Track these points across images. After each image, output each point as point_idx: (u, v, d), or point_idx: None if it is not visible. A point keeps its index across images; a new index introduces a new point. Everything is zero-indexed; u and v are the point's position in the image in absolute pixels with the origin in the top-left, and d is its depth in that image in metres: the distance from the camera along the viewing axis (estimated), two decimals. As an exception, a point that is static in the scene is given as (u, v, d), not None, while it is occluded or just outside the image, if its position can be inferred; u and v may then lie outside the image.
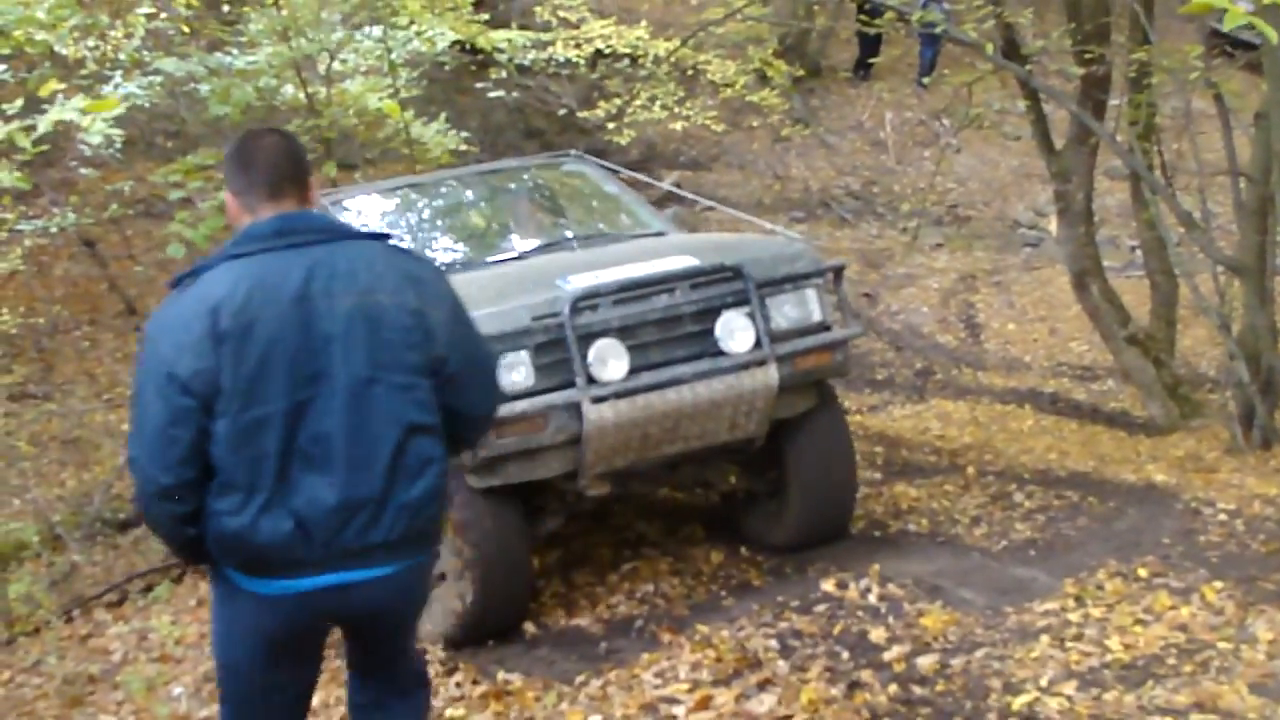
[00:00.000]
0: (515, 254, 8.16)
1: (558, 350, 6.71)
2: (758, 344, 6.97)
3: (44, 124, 5.90)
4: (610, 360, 6.76)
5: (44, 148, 6.02)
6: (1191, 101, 11.38)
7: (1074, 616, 6.09)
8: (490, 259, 8.07)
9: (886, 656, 5.94)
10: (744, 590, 7.24)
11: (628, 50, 15.19)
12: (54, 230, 11.74)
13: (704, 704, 5.74)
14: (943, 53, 22.21)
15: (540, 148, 19.94)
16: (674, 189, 19.95)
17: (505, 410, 6.24)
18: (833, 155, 21.22)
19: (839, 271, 7.57)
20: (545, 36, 14.78)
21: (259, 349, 3.89)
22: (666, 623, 6.91)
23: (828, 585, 6.88)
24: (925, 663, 5.81)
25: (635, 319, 6.86)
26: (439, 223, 8.99)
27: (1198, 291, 10.58)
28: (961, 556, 7.30)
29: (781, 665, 5.96)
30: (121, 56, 11.01)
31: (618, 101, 14.57)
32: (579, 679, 6.41)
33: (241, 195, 4.17)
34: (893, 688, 5.60)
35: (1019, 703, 5.27)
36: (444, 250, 8.51)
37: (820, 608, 6.63)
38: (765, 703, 5.64)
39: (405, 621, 4.35)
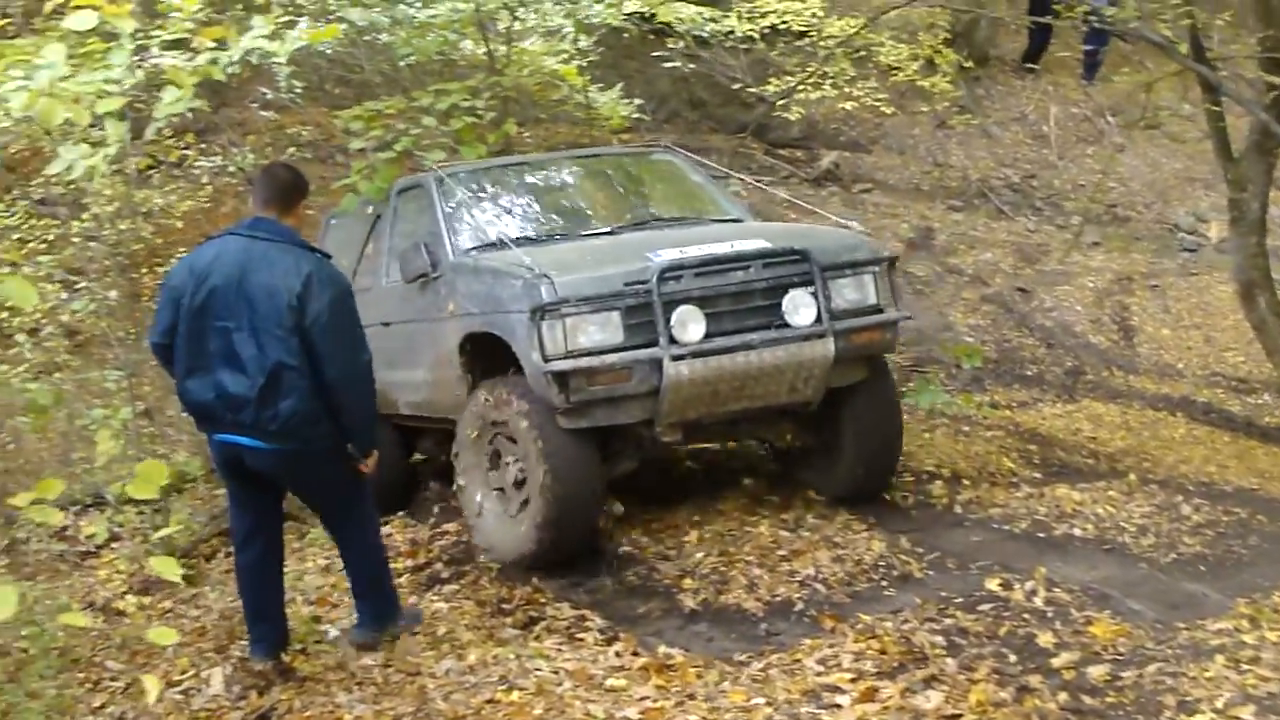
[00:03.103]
0: (607, 230, 9.16)
1: (645, 313, 7.72)
2: (818, 319, 7.97)
3: (237, 51, 6.04)
4: (690, 324, 7.75)
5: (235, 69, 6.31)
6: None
7: (1249, 638, 5.99)
8: (584, 232, 9.17)
9: (1055, 663, 5.89)
10: (905, 582, 7.20)
11: (802, 27, 15.07)
12: (231, 169, 11.90)
13: (869, 695, 5.72)
14: (1111, 51, 21.84)
15: (703, 119, 19.94)
16: (832, 168, 20.00)
17: (596, 361, 7.61)
18: (994, 146, 20.91)
19: (893, 262, 8.63)
20: (721, 11, 14.72)
21: (206, 290, 6.54)
22: (827, 609, 6.90)
23: (992, 584, 6.83)
24: (1096, 672, 5.75)
25: (713, 290, 7.87)
26: (541, 198, 9.90)
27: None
28: (1128, 566, 7.21)
29: (949, 663, 5.93)
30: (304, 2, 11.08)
31: (789, 78, 14.45)
32: (740, 659, 6.42)
33: (252, 200, 7.07)
34: (1063, 695, 5.55)
35: (1193, 723, 5.21)
36: (543, 222, 9.53)
37: (985, 607, 6.59)
38: (932, 700, 5.61)
39: (301, 487, 7.02)
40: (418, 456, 10.48)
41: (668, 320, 7.71)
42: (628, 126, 13.82)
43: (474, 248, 8.86)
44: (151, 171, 11.57)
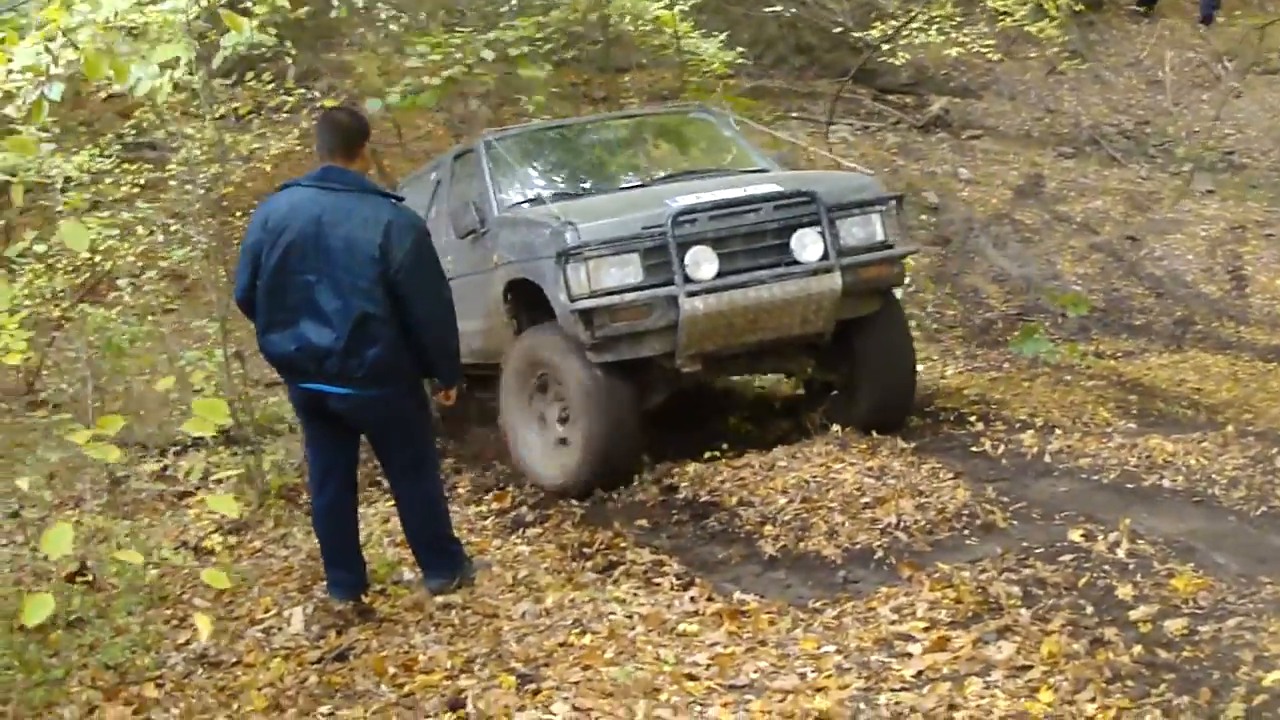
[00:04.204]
0: (639, 182, 10.02)
1: (662, 254, 8.40)
2: (825, 255, 8.62)
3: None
4: (703, 263, 8.44)
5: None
6: None
7: (1335, 594, 5.86)
8: (617, 186, 10.02)
9: (1133, 615, 5.77)
10: (988, 531, 7.10)
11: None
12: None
13: (941, 645, 5.68)
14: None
15: (809, 64, 19.78)
16: (942, 113, 19.79)
17: (619, 300, 8.34)
18: (1107, 92, 20.62)
19: (899, 200, 9.24)
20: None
21: (283, 244, 6.61)
22: (907, 557, 6.85)
23: (1075, 535, 6.72)
24: (1173, 626, 5.64)
25: (726, 231, 8.56)
26: (580, 157, 10.84)
27: None
28: (1217, 518, 7.05)
29: (1023, 614, 5.86)
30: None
31: (894, 22, 14.29)
32: (815, 605, 6.39)
33: (316, 149, 6.98)
34: (1137, 648, 5.45)
35: (1270, 679, 5.08)
36: (580, 178, 10.37)
37: (1066, 557, 6.48)
38: (1004, 650, 5.54)
39: (380, 432, 7.01)
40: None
41: (682, 260, 8.39)
42: (730, 74, 13.74)
43: (516, 204, 9.67)
44: (253, 116, 11.64)
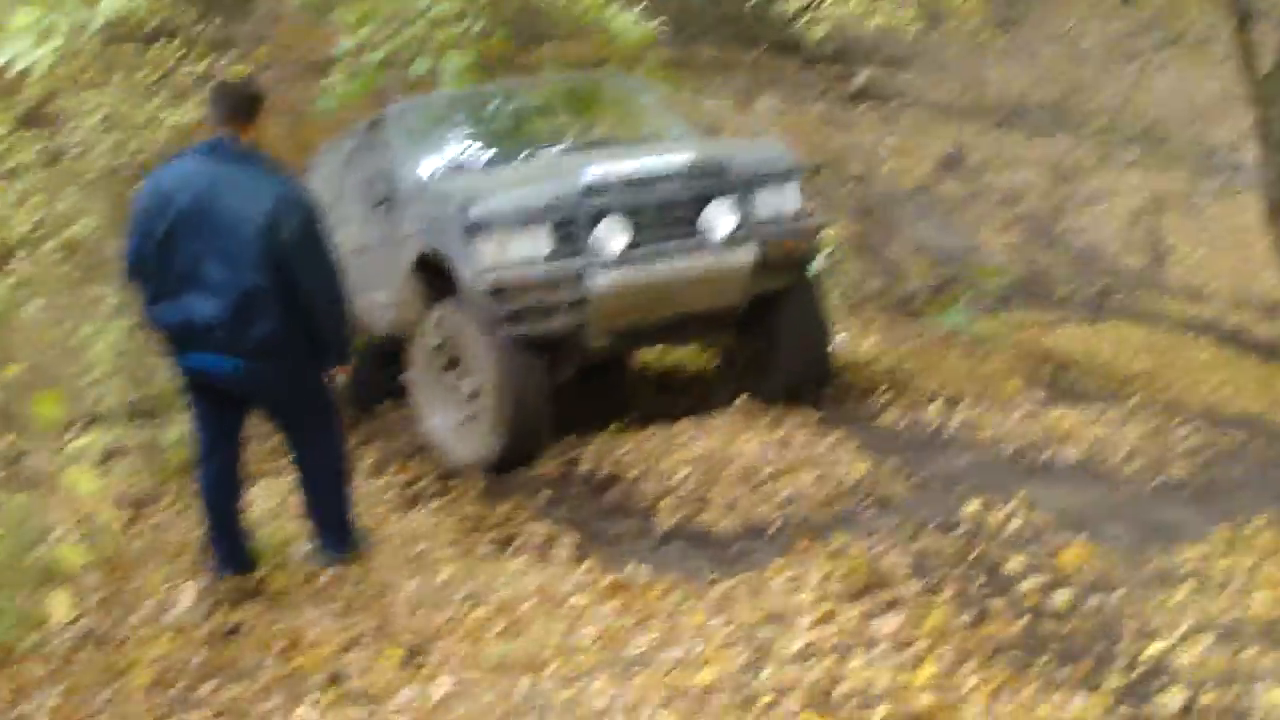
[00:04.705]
0: (552, 151, 9.69)
1: (572, 227, 8.24)
2: (738, 227, 8.49)
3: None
4: (614, 236, 8.28)
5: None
6: None
7: (1221, 565, 5.85)
8: (529, 155, 9.65)
9: (1021, 588, 5.79)
10: (885, 504, 7.10)
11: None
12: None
13: (828, 618, 5.67)
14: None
15: (735, 36, 19.68)
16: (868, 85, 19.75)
17: (527, 272, 8.17)
18: (1032, 63, 20.61)
19: (815, 171, 9.21)
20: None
21: (172, 214, 6.51)
22: (803, 529, 6.82)
23: (971, 507, 6.71)
24: (1060, 598, 5.66)
25: (637, 203, 8.35)
26: (492, 125, 10.35)
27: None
28: (1113, 490, 7.06)
29: (913, 586, 5.85)
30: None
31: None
32: (707, 579, 6.36)
33: (206, 118, 6.93)
34: (1023, 621, 5.47)
35: (1150, 650, 5.10)
36: (492, 147, 9.89)
37: (960, 530, 6.48)
38: (890, 623, 5.54)
39: (272, 406, 6.96)
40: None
41: (592, 232, 8.28)
42: (649, 45, 13.62)
43: (425, 174, 9.42)
44: (157, 85, 11.47)
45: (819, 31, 15.11)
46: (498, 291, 8.20)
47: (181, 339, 6.68)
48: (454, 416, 8.78)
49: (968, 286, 14.84)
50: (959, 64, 20.26)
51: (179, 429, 9.43)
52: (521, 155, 9.71)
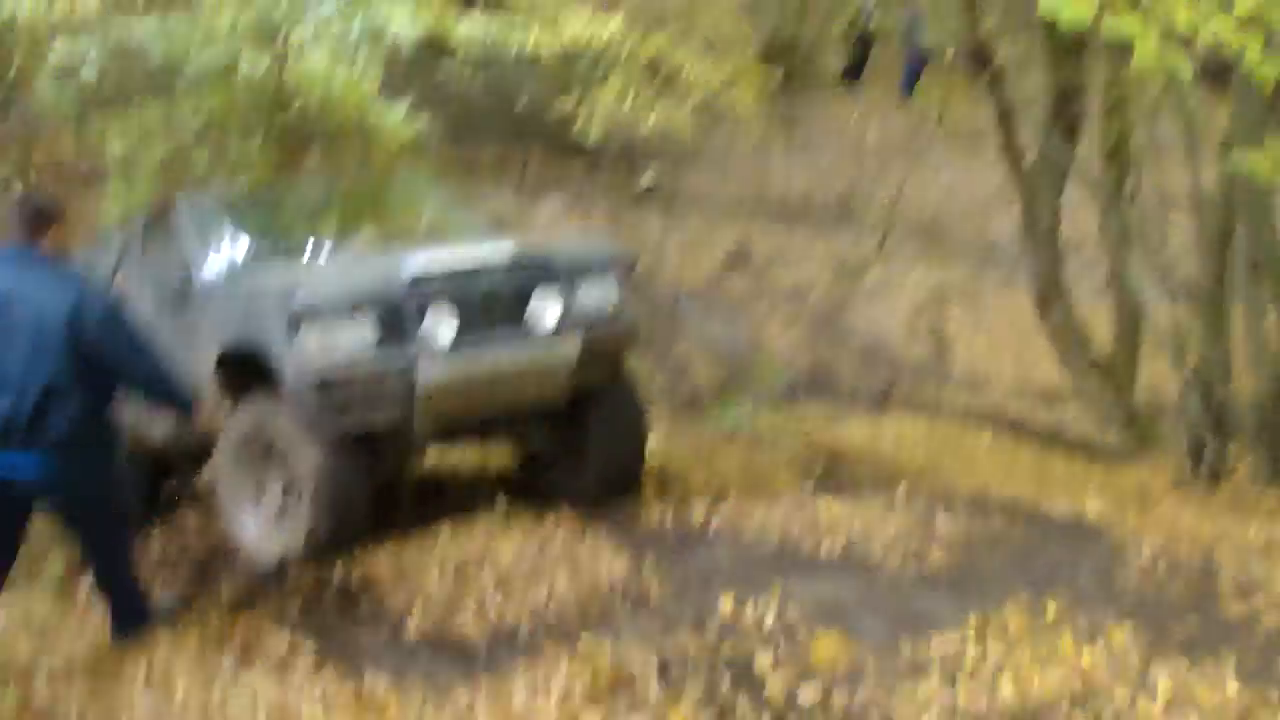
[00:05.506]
0: (358, 246, 9.25)
1: (397, 317, 7.96)
2: (563, 321, 8.35)
3: None
4: (441, 327, 8.03)
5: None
6: (1161, 126, 11.07)
7: (972, 653, 5.76)
8: (331, 250, 9.22)
9: (769, 685, 5.63)
10: (641, 603, 6.89)
11: (603, 43, 14.75)
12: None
13: (568, 724, 5.45)
14: (928, 69, 21.91)
15: (517, 134, 19.57)
16: (652, 185, 19.80)
17: (352, 364, 7.85)
18: (815, 162, 20.87)
19: (631, 266, 9.36)
20: (515, 27, 14.34)
21: None
22: (555, 632, 6.59)
23: (726, 605, 6.54)
24: (806, 694, 5.54)
25: (463, 294, 8.15)
26: (289, 219, 9.68)
27: (1152, 321, 10.27)
28: (871, 581, 6.94)
29: (654, 688, 5.66)
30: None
31: (581, 95, 14.18)
32: (451, 687, 6.11)
33: (9, 230, 7.10)
34: (765, 719, 5.30)
35: (893, 743, 4.97)
36: (290, 242, 9.38)
37: (713, 627, 6.30)
38: (631, 727, 5.35)
39: (68, 502, 7.01)
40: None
41: (419, 324, 8.00)
42: (418, 144, 13.43)
43: (228, 268, 9.01)
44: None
45: (596, 132, 15.09)
46: (323, 384, 7.86)
47: None
48: (263, 515, 8.35)
49: (753, 383, 14.83)
50: (743, 162, 20.42)
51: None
52: (323, 250, 9.39)
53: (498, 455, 10.31)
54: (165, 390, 7.13)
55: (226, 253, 9.22)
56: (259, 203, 9.83)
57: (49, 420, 6.69)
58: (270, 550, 8.20)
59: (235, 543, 8.52)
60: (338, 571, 7.88)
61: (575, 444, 8.96)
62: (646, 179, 19.76)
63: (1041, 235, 12.01)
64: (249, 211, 9.72)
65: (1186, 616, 6.10)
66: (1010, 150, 12.04)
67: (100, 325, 6.81)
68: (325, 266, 8.92)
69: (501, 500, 8.39)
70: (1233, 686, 5.28)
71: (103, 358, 6.82)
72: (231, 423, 8.44)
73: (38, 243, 7.02)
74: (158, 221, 9.72)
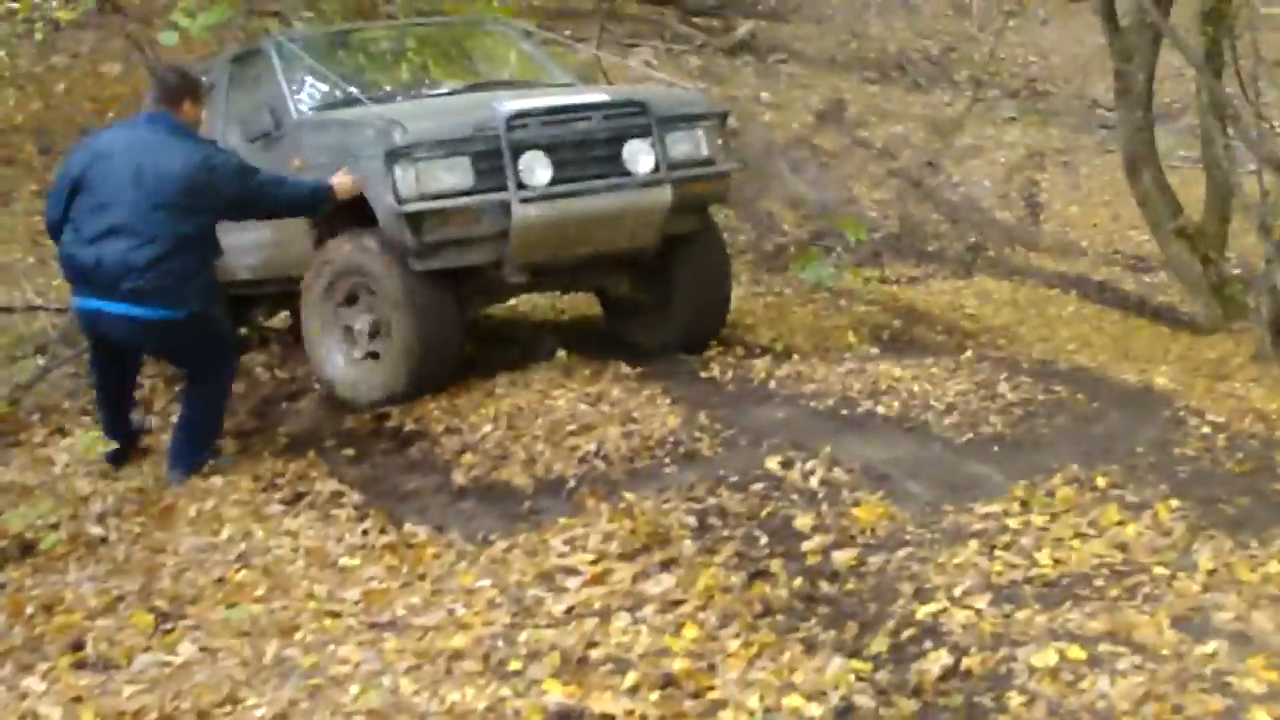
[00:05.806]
0: (447, 90, 9.68)
1: (494, 158, 7.99)
2: (656, 168, 8.36)
3: None
4: (537, 169, 8.06)
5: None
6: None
7: (1013, 523, 5.64)
8: (424, 93, 9.74)
9: (805, 546, 5.58)
10: (690, 459, 6.81)
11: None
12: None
13: (599, 579, 5.46)
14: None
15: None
16: (748, 38, 19.52)
17: (448, 204, 7.93)
18: (914, 17, 20.48)
19: (724, 117, 9.16)
20: None
21: (101, 169, 7.48)
22: (599, 486, 6.56)
23: (772, 463, 6.47)
24: (841, 558, 5.45)
25: (558, 138, 8.20)
26: (379, 63, 10.40)
27: (1242, 188, 9.98)
28: (923, 445, 6.82)
29: (690, 545, 5.63)
30: None
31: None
32: (487, 538, 6.11)
33: (147, 100, 8.06)
34: (798, 581, 5.26)
35: (924, 612, 4.90)
36: (383, 84, 9.94)
37: (757, 486, 6.24)
38: (662, 583, 5.36)
39: (165, 349, 7.98)
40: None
41: (515, 165, 8.01)
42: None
43: (316, 107, 9.16)
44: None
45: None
46: (418, 221, 7.94)
47: (92, 281, 7.42)
48: (352, 356, 8.43)
49: (838, 240, 14.65)
50: (840, 16, 20.05)
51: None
52: (418, 92, 9.76)
53: (567, 305, 10.32)
54: (309, 203, 8.04)
55: (320, 94, 9.36)
56: (349, 45, 10.21)
57: (157, 275, 7.28)
58: (361, 392, 8.34)
59: (323, 385, 8.63)
60: (393, 419, 7.91)
61: (661, 292, 9.12)
62: (742, 31, 19.46)
63: (1134, 99, 11.63)
64: (340, 54, 10.07)
65: (1238, 493, 5.93)
66: (1107, 9, 11.65)
67: (237, 176, 7.62)
68: (416, 108, 8.92)
69: (561, 353, 8.37)
70: (1275, 566, 5.13)
71: (238, 205, 7.69)
72: (321, 256, 8.54)
73: (171, 111, 7.69)
74: (244, 65, 9.86)
